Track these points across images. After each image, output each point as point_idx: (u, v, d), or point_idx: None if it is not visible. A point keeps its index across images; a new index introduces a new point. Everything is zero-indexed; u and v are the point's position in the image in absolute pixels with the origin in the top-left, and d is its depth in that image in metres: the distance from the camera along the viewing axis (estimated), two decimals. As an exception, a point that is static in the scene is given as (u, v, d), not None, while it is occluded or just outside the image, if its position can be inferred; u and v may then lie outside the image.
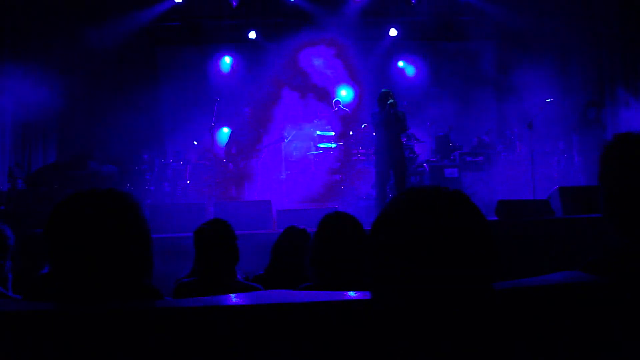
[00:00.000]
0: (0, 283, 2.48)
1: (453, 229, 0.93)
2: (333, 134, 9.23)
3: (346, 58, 10.64)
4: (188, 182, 9.16)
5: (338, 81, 10.85)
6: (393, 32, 11.38)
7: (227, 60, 11.56)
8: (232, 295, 1.14)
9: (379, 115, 6.95)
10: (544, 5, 10.18)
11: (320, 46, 10.61)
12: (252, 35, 11.22)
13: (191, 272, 3.29)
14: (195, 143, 10.15)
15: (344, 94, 10.89)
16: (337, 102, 9.68)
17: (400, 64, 11.68)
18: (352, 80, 10.83)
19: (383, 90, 7.11)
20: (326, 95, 10.51)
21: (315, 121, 9.46)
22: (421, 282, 0.92)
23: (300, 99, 10.50)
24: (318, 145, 9.02)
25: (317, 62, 10.69)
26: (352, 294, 1.05)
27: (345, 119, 9.55)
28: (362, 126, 9.16)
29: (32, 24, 9.59)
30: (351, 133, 9.34)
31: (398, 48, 11.59)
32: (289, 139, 9.21)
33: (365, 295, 1.02)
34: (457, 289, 0.92)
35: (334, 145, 8.98)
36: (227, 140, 9.15)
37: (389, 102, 6.84)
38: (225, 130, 10.89)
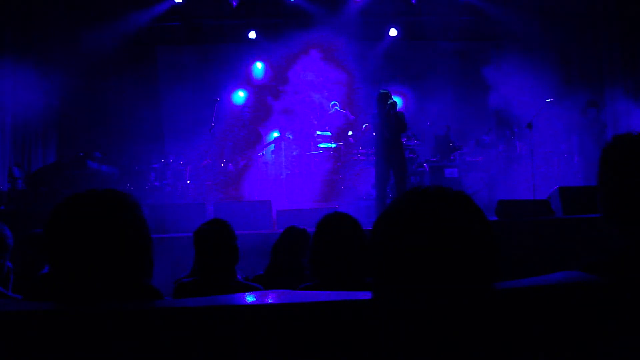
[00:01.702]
0: (0, 282, 2.48)
1: (455, 230, 0.93)
2: (330, 134, 9.23)
3: (346, 58, 10.64)
4: (188, 182, 9.16)
5: (337, 81, 10.85)
6: (393, 32, 11.38)
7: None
8: (233, 296, 1.14)
9: (379, 115, 6.94)
10: (544, 6, 10.18)
11: (319, 46, 10.61)
12: (252, 35, 11.22)
13: (191, 272, 3.29)
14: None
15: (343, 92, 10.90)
16: (335, 104, 9.68)
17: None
18: (352, 79, 10.83)
19: (382, 90, 7.10)
20: (325, 95, 10.51)
21: (314, 122, 9.45)
22: (422, 281, 0.92)
23: (300, 99, 10.51)
24: (318, 145, 9.02)
25: (317, 62, 10.70)
26: (352, 294, 1.05)
27: (342, 121, 9.55)
28: (364, 126, 9.16)
29: (32, 24, 9.59)
30: (351, 133, 9.33)
31: (398, 47, 11.60)
32: (290, 138, 9.21)
33: (365, 295, 1.02)
34: (458, 289, 0.92)
35: (334, 145, 8.98)
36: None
37: (389, 103, 6.83)
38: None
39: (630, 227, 1.27)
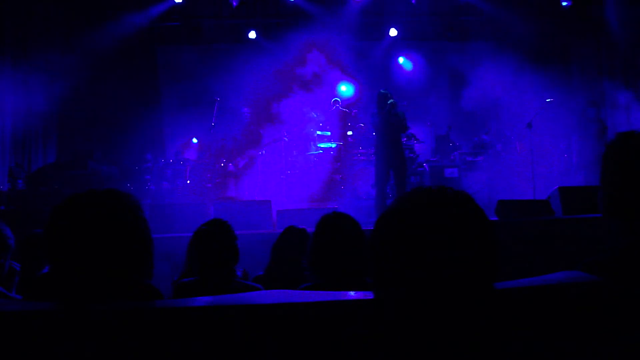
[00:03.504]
0: (1, 283, 2.48)
1: (455, 229, 0.93)
2: (329, 133, 9.22)
3: (346, 58, 10.64)
4: (188, 182, 9.16)
5: (337, 81, 10.85)
6: (393, 32, 11.39)
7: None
8: (233, 295, 1.13)
9: (379, 115, 6.94)
10: (544, 6, 10.18)
11: (320, 46, 10.61)
12: (252, 35, 11.22)
13: (186, 272, 3.27)
14: (195, 141, 10.15)
15: (344, 89, 10.88)
16: (336, 101, 9.66)
17: (401, 59, 11.69)
18: (352, 79, 10.83)
19: (382, 90, 7.10)
20: (325, 95, 10.50)
21: (312, 114, 9.42)
22: (422, 281, 0.92)
23: (300, 99, 10.49)
24: (318, 145, 9.01)
25: (317, 61, 10.69)
26: (352, 294, 1.05)
27: (344, 119, 9.53)
28: (359, 125, 9.15)
29: (32, 24, 9.59)
30: (350, 133, 9.33)
31: (398, 48, 11.61)
32: (286, 140, 9.21)
33: (366, 295, 1.02)
34: (459, 289, 0.92)
35: (334, 145, 8.97)
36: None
37: (389, 102, 6.83)
38: None
39: (631, 224, 1.27)
